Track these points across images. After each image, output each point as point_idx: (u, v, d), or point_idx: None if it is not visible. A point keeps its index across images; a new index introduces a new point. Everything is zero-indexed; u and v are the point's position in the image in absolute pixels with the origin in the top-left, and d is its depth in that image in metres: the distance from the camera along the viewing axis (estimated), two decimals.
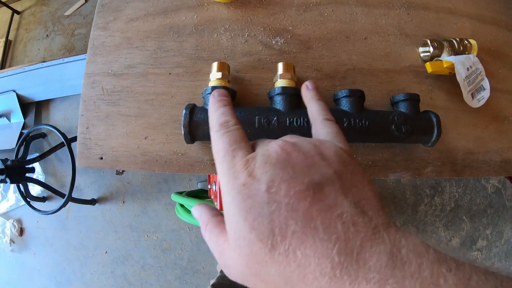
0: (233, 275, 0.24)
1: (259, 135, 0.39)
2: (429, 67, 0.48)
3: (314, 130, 0.32)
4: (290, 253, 0.20)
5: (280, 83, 0.41)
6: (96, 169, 1.59)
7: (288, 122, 0.39)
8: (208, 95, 0.40)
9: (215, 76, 0.41)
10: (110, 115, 0.47)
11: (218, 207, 0.52)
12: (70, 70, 1.47)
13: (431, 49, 0.48)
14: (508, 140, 0.49)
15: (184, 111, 0.39)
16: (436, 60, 0.48)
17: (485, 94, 0.48)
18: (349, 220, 0.20)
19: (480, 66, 0.47)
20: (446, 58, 0.47)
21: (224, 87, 0.40)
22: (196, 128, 0.39)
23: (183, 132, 0.38)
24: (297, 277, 0.19)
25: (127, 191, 1.57)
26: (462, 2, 0.55)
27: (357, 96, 0.42)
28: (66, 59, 1.43)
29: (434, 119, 0.42)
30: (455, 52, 0.48)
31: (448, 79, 0.49)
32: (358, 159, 0.46)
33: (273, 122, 0.38)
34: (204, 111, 0.39)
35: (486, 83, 0.48)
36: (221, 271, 1.00)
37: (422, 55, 0.50)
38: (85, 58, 1.41)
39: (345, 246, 0.19)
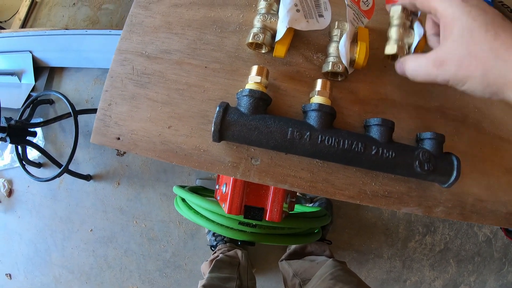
0: (449, 65, 0.35)
1: (289, 147, 0.39)
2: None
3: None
4: (497, 34, 0.32)
5: (317, 99, 0.41)
6: (97, 146, 1.58)
7: (320, 139, 0.38)
8: (245, 96, 0.39)
9: (253, 79, 0.41)
10: (136, 97, 0.46)
11: (226, 210, 0.51)
12: (91, 43, 1.46)
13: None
14: None
15: (217, 108, 0.38)
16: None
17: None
18: None
19: None
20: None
21: (262, 93, 0.39)
22: (227, 127, 0.38)
23: (213, 129, 0.38)
24: (502, 49, 0.31)
25: (124, 174, 1.55)
26: None
27: (388, 126, 0.42)
28: (89, 31, 1.42)
29: (455, 162, 0.42)
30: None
31: (473, 126, 0.49)
32: (376, 187, 0.46)
33: (305, 136, 0.38)
34: (238, 112, 0.39)
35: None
36: (210, 272, 0.99)
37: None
38: (108, 34, 1.42)
39: None
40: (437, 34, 0.43)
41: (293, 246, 1.26)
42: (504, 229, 1.39)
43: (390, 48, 0.44)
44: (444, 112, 0.49)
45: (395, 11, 0.46)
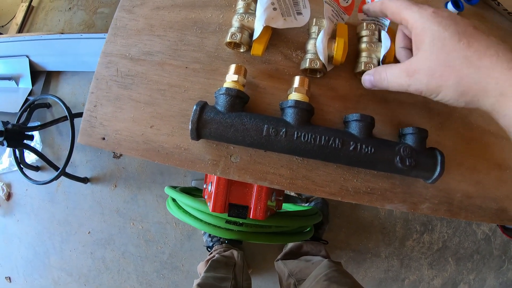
0: (421, 75, 0.35)
1: (265, 143, 0.39)
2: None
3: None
4: (469, 43, 0.33)
5: (294, 96, 0.41)
6: (94, 149, 1.59)
7: (296, 135, 0.39)
8: (221, 95, 0.40)
9: (231, 78, 0.41)
10: (120, 98, 0.47)
11: (211, 208, 0.51)
12: (86, 47, 1.48)
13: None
14: (507, 189, 0.48)
15: (194, 107, 0.39)
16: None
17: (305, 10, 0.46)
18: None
19: None
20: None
21: (238, 91, 0.40)
22: (203, 125, 0.39)
23: (190, 127, 0.38)
24: (475, 57, 0.32)
25: (121, 176, 1.56)
26: None
27: (367, 122, 0.42)
28: (84, 35, 1.43)
29: (439, 157, 0.41)
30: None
31: (460, 120, 0.49)
32: (357, 183, 0.46)
33: (281, 133, 0.38)
34: (215, 110, 0.39)
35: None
36: (205, 272, 0.99)
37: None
38: (103, 38, 1.43)
39: (504, 46, 0.32)
40: (407, 47, 0.43)
41: (289, 246, 1.26)
42: (501, 227, 1.38)
43: (358, 66, 0.46)
44: (429, 107, 0.49)
45: (360, 27, 0.47)
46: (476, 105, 0.34)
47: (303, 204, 1.37)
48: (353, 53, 0.48)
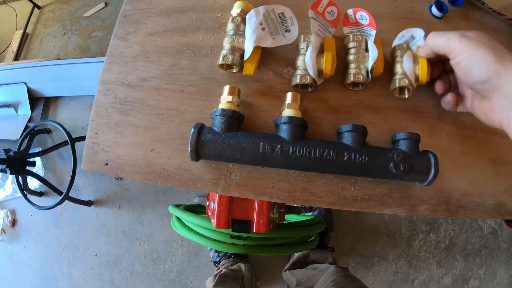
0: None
1: (263, 160, 0.40)
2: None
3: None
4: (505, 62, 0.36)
5: (287, 112, 0.43)
6: (97, 172, 1.60)
7: (291, 150, 0.40)
8: (217, 116, 0.41)
9: (225, 99, 0.43)
10: (120, 124, 0.49)
11: (215, 224, 0.52)
12: (83, 71, 1.49)
13: None
14: (504, 183, 0.49)
15: (192, 130, 0.40)
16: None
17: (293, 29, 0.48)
18: None
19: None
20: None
21: (233, 111, 0.41)
22: (202, 147, 0.40)
23: (189, 149, 0.40)
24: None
25: (125, 197, 1.57)
26: None
27: (360, 131, 0.43)
28: (80, 60, 1.45)
29: (433, 160, 0.42)
30: None
31: (451, 121, 0.50)
32: (355, 191, 0.47)
33: (276, 149, 0.40)
34: (212, 131, 0.41)
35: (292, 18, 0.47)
36: (213, 287, 0.99)
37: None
38: (99, 61, 1.45)
39: None
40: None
41: (295, 256, 1.26)
42: (506, 221, 1.38)
43: (347, 78, 0.48)
44: (419, 111, 0.50)
45: (348, 39, 0.49)
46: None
47: (307, 213, 1.38)
48: (342, 65, 0.50)
